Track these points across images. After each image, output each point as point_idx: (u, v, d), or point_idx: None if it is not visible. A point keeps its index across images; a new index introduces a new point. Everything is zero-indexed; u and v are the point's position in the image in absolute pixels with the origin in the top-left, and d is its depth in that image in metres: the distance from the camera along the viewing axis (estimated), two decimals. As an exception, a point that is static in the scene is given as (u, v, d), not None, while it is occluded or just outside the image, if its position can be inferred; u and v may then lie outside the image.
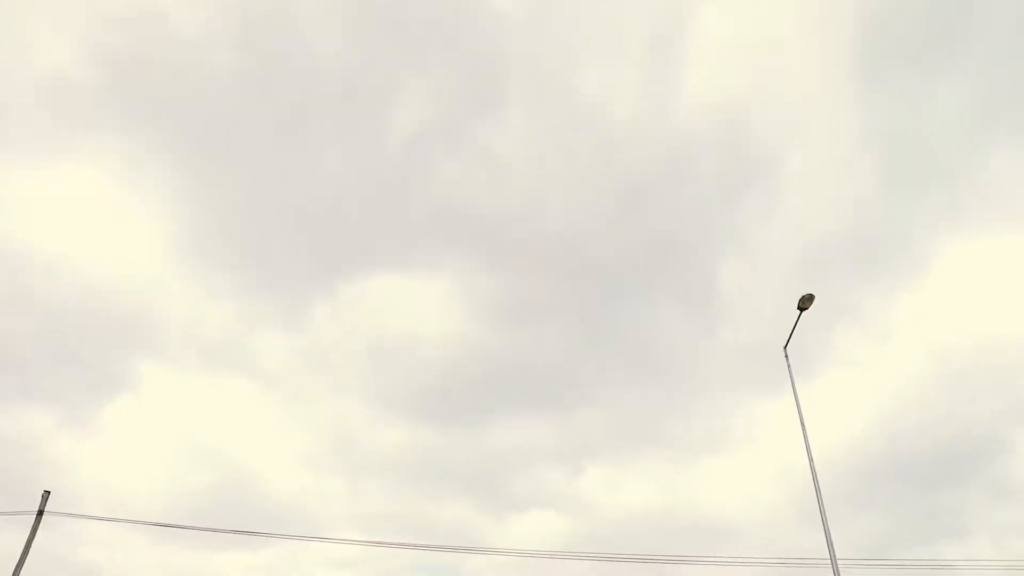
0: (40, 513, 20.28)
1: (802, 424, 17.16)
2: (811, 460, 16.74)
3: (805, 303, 17.01)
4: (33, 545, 20.04)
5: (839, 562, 15.71)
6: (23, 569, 19.78)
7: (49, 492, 20.71)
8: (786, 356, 18.13)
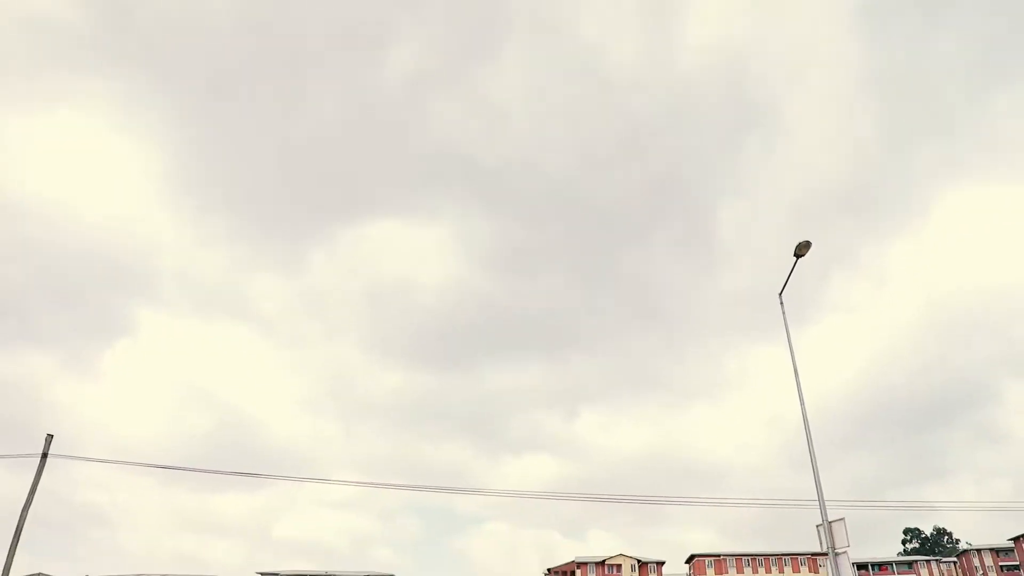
0: (44, 456, 20.60)
1: (795, 370, 17.36)
2: (802, 403, 16.99)
3: (802, 250, 16.97)
4: (39, 487, 20.43)
5: (827, 503, 16.11)
6: (29, 511, 20.20)
7: (52, 435, 21.00)
8: (781, 302, 18.22)
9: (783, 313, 17.96)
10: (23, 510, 20.04)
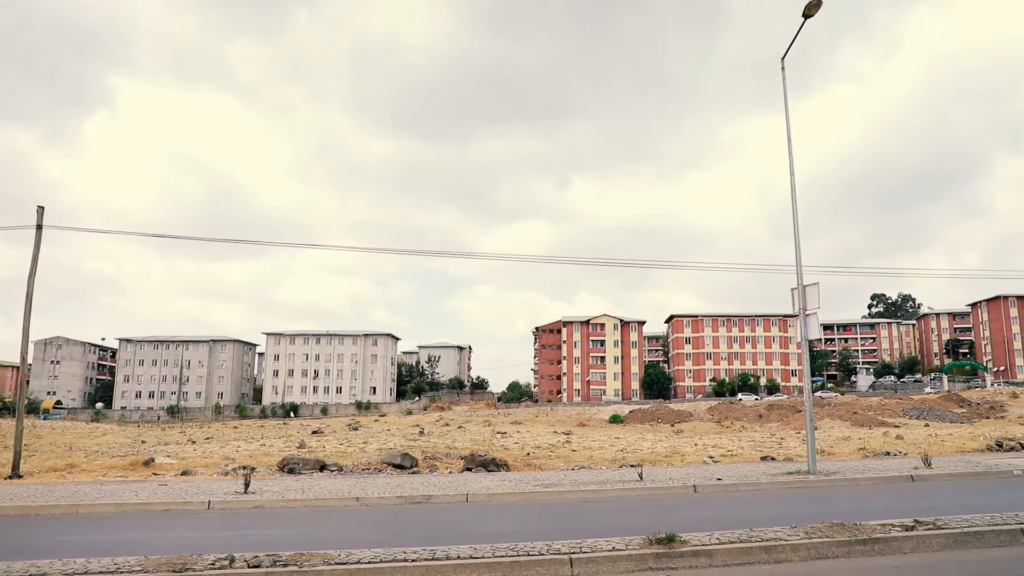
0: (39, 227, 20.83)
1: (788, 136, 17.11)
2: (791, 168, 17.00)
3: (811, 10, 15.81)
4: (43, 260, 20.96)
5: (804, 268, 16.80)
6: (35, 280, 20.90)
7: (43, 207, 21.05)
8: (783, 67, 17.41)
9: (783, 79, 17.26)
10: (29, 279, 20.76)
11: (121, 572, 6.75)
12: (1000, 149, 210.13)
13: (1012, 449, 22.13)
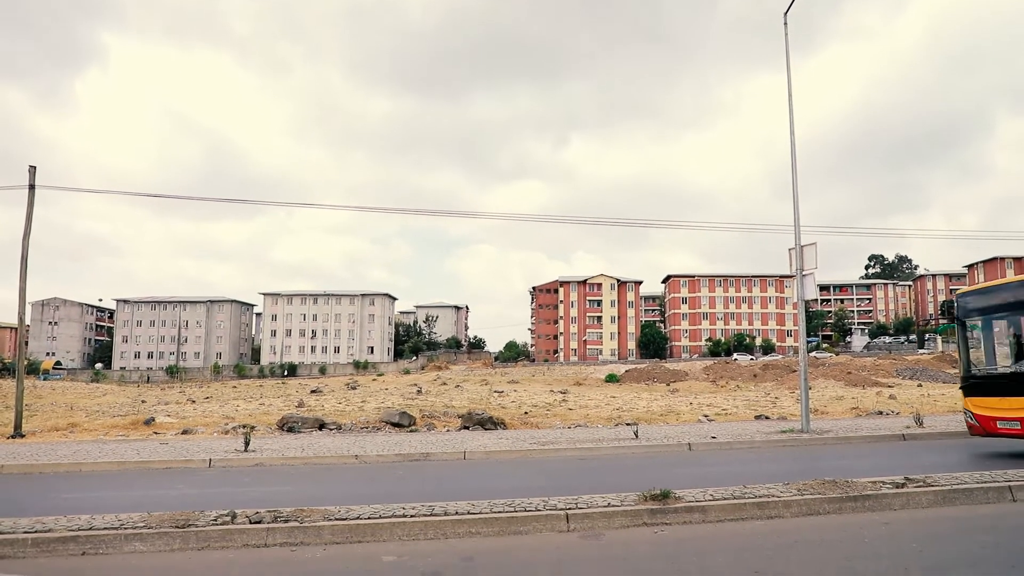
0: (32, 187, 20.62)
1: (789, 94, 16.88)
2: (791, 125, 16.83)
3: (815, -38, 15.44)
4: (38, 220, 20.78)
5: (802, 228, 16.75)
6: (30, 240, 20.77)
7: (35, 167, 20.80)
8: (785, 24, 17.09)
9: (785, 35, 16.95)
10: (24, 240, 20.61)
11: (125, 528, 6.86)
12: (1002, 109, 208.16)
13: (1003, 408, 22.40)
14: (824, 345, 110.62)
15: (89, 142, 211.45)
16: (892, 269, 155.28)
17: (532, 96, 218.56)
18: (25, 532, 6.73)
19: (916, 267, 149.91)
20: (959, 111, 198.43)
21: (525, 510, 7.38)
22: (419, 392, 41.87)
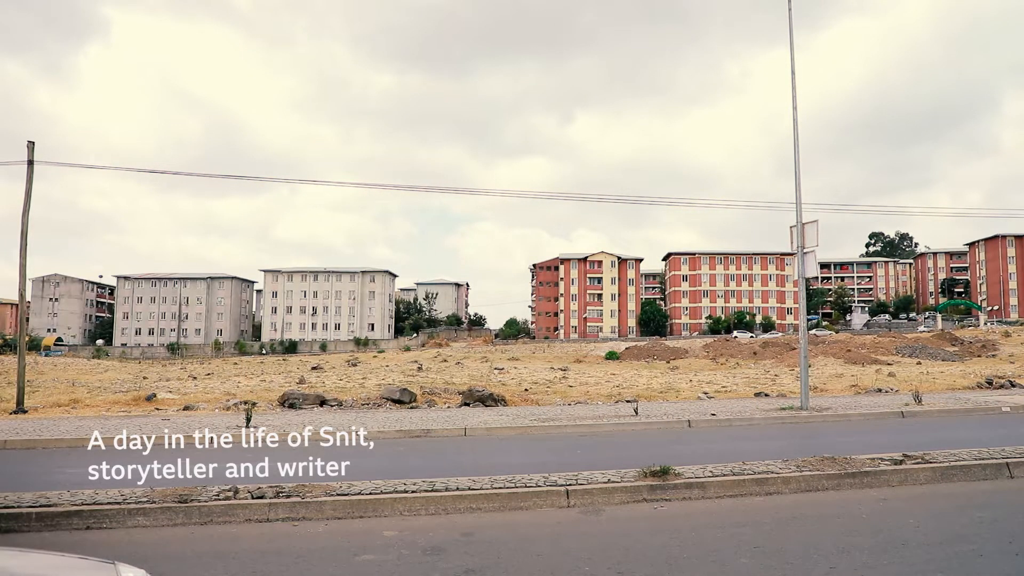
0: (30, 163, 20.50)
1: (792, 69, 16.70)
2: (794, 99, 16.68)
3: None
4: (39, 196, 20.69)
5: (803, 206, 16.68)
6: (29, 216, 20.70)
7: (34, 143, 20.66)
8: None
9: (789, 9, 16.72)
10: (23, 216, 20.55)
11: (128, 503, 6.91)
12: (1009, 86, 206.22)
13: (1002, 387, 22.49)
14: (824, 323, 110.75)
15: (91, 116, 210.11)
16: (893, 247, 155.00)
17: (538, 72, 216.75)
18: (29, 506, 6.79)
19: (917, 245, 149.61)
20: (966, 88, 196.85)
21: (526, 486, 7.42)
22: (420, 369, 42.03)
